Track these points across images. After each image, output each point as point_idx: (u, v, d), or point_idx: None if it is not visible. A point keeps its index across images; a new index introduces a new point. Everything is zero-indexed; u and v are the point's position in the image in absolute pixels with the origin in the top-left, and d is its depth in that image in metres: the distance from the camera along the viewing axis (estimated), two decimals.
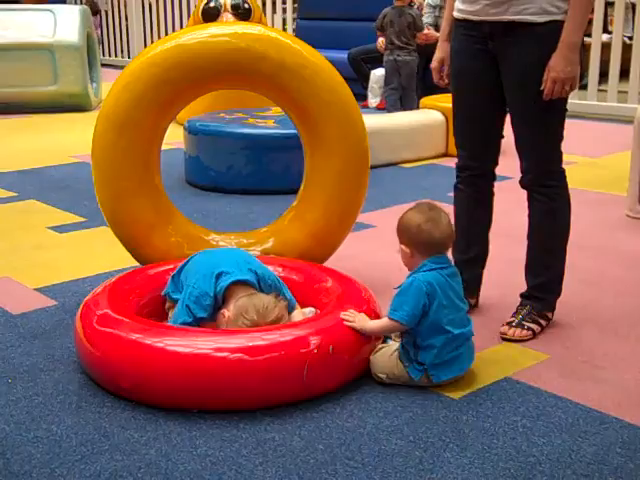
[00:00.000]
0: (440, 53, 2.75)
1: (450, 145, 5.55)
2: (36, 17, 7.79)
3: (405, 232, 2.32)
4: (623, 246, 3.62)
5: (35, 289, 3.10)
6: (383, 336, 2.39)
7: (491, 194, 2.79)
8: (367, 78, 7.62)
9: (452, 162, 2.84)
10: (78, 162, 5.46)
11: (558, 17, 2.43)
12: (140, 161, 2.84)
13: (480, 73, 2.60)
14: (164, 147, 3.01)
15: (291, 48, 2.85)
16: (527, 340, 2.58)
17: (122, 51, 12.42)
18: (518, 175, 2.65)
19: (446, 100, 4.86)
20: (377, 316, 2.39)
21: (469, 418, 2.12)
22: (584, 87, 7.48)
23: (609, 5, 8.02)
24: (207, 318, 2.37)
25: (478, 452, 1.96)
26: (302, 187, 3.04)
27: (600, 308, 2.88)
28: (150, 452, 1.96)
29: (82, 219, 4.07)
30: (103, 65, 9.14)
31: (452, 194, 2.84)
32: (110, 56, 12.48)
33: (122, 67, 3.37)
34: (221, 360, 2.11)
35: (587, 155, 5.62)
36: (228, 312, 2.33)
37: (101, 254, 3.47)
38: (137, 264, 2.96)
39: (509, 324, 2.63)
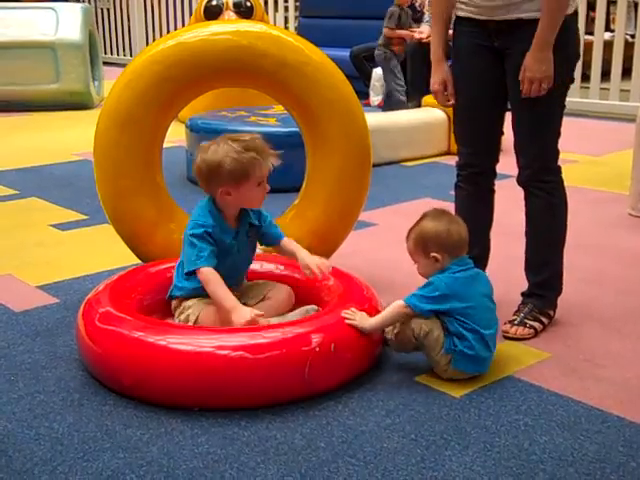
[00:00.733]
0: (440, 75, 2.66)
1: (452, 143, 5.54)
2: (38, 15, 7.78)
3: (434, 240, 2.32)
4: (624, 244, 3.61)
5: (37, 287, 3.10)
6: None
7: (492, 192, 2.80)
8: (369, 76, 7.60)
9: (454, 160, 2.84)
10: (80, 160, 5.45)
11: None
12: (142, 159, 2.84)
13: (483, 70, 2.60)
14: (166, 145, 3.01)
15: (293, 46, 2.85)
16: (529, 338, 2.58)
17: (124, 49, 12.41)
18: (516, 173, 2.66)
19: None
20: (379, 314, 2.39)
21: (471, 416, 2.12)
22: (587, 79, 7.49)
23: (611, 3, 8.02)
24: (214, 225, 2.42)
25: (480, 450, 1.96)
26: (304, 185, 3.04)
27: (601, 306, 2.88)
28: (152, 450, 1.96)
29: (84, 217, 4.07)
30: (105, 63, 9.13)
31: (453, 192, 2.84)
32: (112, 54, 12.48)
33: (124, 65, 3.37)
34: (223, 358, 2.11)
35: (589, 153, 5.61)
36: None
37: (103, 252, 3.47)
38: (139, 262, 2.96)
39: (511, 322, 2.63)
